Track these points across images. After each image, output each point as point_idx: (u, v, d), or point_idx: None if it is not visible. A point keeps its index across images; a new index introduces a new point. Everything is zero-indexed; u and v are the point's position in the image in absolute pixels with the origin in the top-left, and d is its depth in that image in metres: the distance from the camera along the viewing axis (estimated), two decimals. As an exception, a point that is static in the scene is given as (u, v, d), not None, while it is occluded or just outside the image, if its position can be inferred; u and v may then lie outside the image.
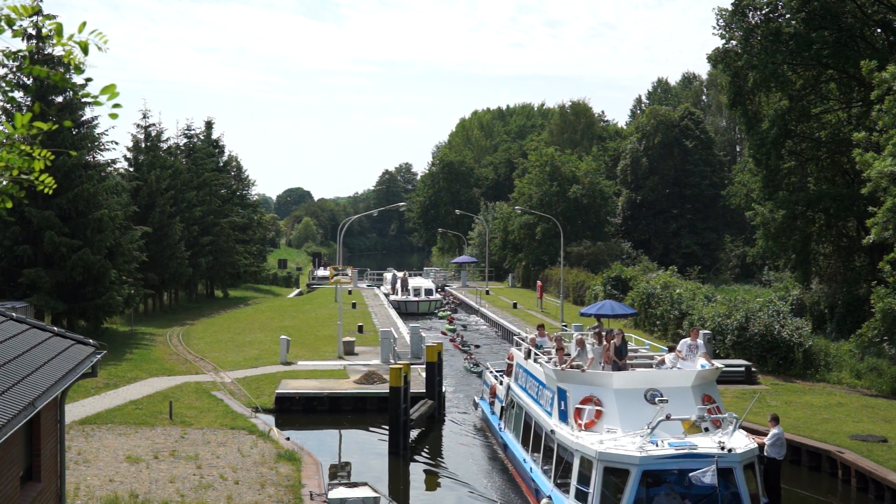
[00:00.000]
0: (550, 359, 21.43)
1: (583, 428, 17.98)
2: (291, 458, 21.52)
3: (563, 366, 20.04)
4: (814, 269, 44.04)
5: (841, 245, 43.48)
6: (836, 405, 27.57)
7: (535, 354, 22.29)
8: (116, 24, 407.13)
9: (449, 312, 61.32)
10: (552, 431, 19.05)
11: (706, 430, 17.44)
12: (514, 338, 25.80)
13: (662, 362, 20.51)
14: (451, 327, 52.78)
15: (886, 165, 27.80)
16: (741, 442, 16.98)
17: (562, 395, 18.97)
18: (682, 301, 41.73)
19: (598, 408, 18.17)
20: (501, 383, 26.12)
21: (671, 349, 20.85)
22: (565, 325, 40.70)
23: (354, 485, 20.42)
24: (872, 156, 29.14)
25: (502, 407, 25.32)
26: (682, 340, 20.75)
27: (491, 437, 26.54)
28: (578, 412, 18.32)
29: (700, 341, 20.52)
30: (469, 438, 27.10)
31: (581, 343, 20.93)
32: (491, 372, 28.88)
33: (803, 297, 43.54)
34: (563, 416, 18.77)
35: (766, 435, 19.74)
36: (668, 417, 16.76)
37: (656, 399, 17.58)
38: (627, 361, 20.70)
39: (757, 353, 34.24)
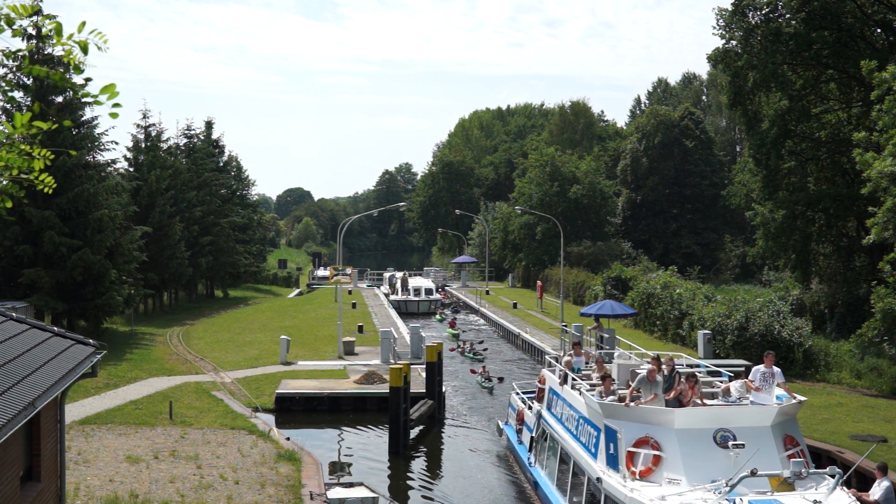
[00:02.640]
0: (593, 386, 18.48)
1: (637, 477, 15.01)
2: (291, 458, 21.52)
3: (625, 401, 16.38)
4: (814, 269, 44.04)
5: (841, 245, 43.48)
6: (836, 405, 27.56)
7: (574, 380, 19.16)
8: (115, 24, 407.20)
9: (447, 316, 60.71)
10: (598, 480, 15.86)
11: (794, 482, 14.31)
12: (547, 358, 22.70)
13: (727, 391, 17.26)
14: (454, 332, 50.90)
15: (886, 165, 27.79)
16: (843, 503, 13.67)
17: (610, 434, 15.84)
18: (682, 301, 41.73)
19: (656, 452, 15.09)
20: (531, 409, 23.03)
21: (737, 375, 17.79)
22: (565, 325, 40.67)
23: (351, 485, 20.45)
24: (872, 156, 29.13)
25: (532, 437, 22.12)
26: (755, 368, 16.97)
27: (518, 469, 23.31)
28: (631, 457, 15.27)
29: (777, 369, 16.75)
30: (492, 468, 24.05)
31: (653, 375, 16.68)
32: (517, 394, 25.57)
33: (803, 297, 43.53)
34: (613, 462, 15.67)
35: (869, 490, 16.21)
36: (753, 473, 13.50)
37: (729, 442, 14.71)
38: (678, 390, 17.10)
39: (757, 354, 34.14)
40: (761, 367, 16.73)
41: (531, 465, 21.56)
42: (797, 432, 15.97)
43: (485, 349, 43.60)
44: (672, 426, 15.22)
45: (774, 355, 17.04)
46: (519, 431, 23.95)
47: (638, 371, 18.73)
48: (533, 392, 24.54)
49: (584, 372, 20.69)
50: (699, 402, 16.42)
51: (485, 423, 29.01)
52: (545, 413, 21.04)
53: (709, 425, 15.24)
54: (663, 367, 17.08)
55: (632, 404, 16.05)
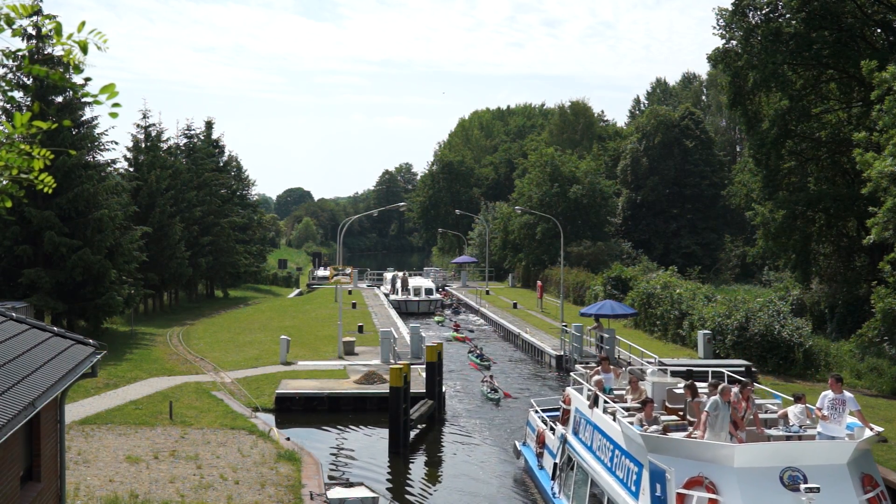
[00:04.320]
0: (628, 409, 16.42)
1: None
2: (291, 458, 21.52)
3: (696, 430, 14.23)
4: (814, 269, 44.07)
5: (841, 245, 43.50)
6: (837, 405, 27.55)
7: (606, 402, 16.91)
8: (113, 24, 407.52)
9: (447, 316, 60.53)
10: None
11: None
12: (572, 376, 20.23)
13: (784, 417, 15.38)
14: (459, 335, 49.33)
15: (886, 165, 27.79)
16: None
17: (657, 473, 13.69)
18: (682, 301, 41.73)
19: (712, 495, 12.90)
20: (553, 430, 20.70)
21: (797, 399, 15.59)
22: (565, 325, 40.67)
23: (351, 485, 20.45)
24: (872, 156, 29.14)
25: (556, 464, 19.78)
26: (823, 394, 14.84)
27: (540, 499, 20.86)
28: (682, 500, 13.10)
29: (849, 394, 14.68)
30: (510, 494, 21.79)
31: (727, 394, 14.26)
32: (536, 412, 23.06)
33: (803, 297, 43.54)
34: None
35: None
36: None
37: (800, 485, 12.65)
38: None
39: (757, 353, 34.26)
40: (829, 394, 14.61)
41: (555, 495, 19.28)
42: (874, 470, 13.73)
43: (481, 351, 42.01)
44: (731, 464, 12.94)
45: (841, 378, 14.98)
46: (539, 455, 21.57)
47: (677, 390, 16.92)
48: (554, 409, 22.55)
49: (615, 391, 18.54)
50: (753, 420, 14.34)
51: (492, 438, 26.98)
52: (571, 438, 18.66)
53: (774, 463, 13.01)
54: (736, 394, 14.97)
55: (679, 435, 14.12)
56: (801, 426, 14.80)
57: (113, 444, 22.49)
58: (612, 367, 20.06)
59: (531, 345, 43.68)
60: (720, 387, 14.36)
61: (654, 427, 14.93)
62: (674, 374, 19.57)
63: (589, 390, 17.96)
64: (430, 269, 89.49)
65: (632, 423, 14.98)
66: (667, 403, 16.83)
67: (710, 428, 13.97)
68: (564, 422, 19.57)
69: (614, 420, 15.85)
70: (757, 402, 16.23)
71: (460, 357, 41.98)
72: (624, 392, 18.18)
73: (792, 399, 15.88)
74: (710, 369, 20.39)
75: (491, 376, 34.47)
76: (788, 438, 14.58)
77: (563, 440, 19.19)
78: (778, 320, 34.54)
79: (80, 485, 18.85)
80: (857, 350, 33.25)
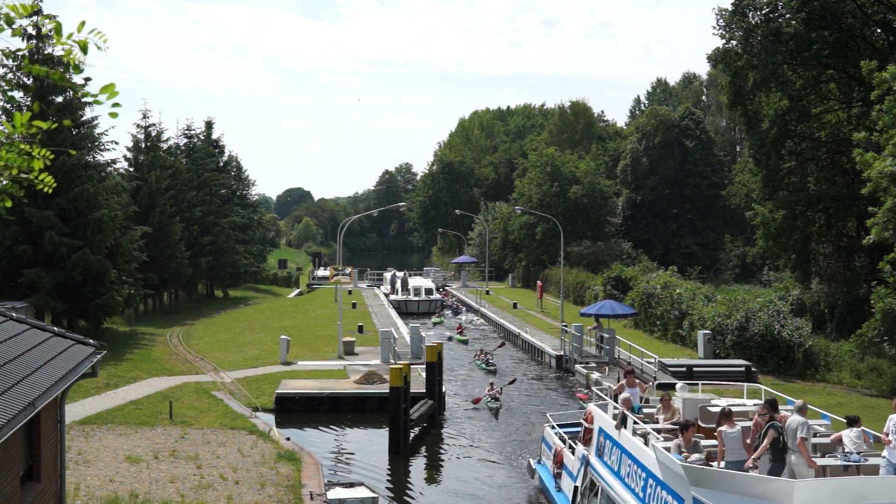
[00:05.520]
0: (663, 433, 14.80)
1: None
2: (291, 458, 21.52)
3: (750, 461, 12.84)
4: (814, 269, 44.08)
5: (841, 245, 43.51)
6: (837, 405, 27.56)
7: (636, 422, 15.25)
8: (112, 23, 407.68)
9: (446, 316, 60.35)
10: None
11: None
12: (594, 390, 19.04)
13: (839, 441, 13.83)
14: (463, 338, 48.03)
15: (886, 165, 27.81)
16: None
17: None
18: (682, 301, 41.73)
19: None
20: (572, 450, 18.83)
21: (852, 422, 13.85)
22: (565, 325, 40.66)
23: (351, 485, 20.45)
24: (872, 156, 29.15)
25: (576, 488, 18.02)
26: (890, 416, 13.36)
27: None
28: None
29: None
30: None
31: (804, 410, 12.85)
32: (553, 429, 21.09)
33: (803, 297, 43.55)
34: None
35: None
36: None
37: None
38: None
39: (757, 353, 34.26)
40: (894, 416, 13.18)
41: None
42: None
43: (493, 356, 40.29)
44: (790, 501, 11.28)
45: None
46: (557, 476, 19.67)
47: (711, 408, 15.48)
48: (571, 425, 21.20)
49: (644, 410, 16.94)
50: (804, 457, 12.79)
51: (497, 449, 25.53)
52: (595, 461, 16.89)
53: (839, 501, 11.25)
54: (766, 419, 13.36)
55: (718, 465, 12.53)
56: (859, 453, 13.06)
57: (113, 444, 22.49)
58: (637, 381, 18.34)
59: (531, 345, 43.69)
60: (798, 404, 13.10)
61: (696, 456, 13.13)
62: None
63: (615, 408, 16.24)
64: (430, 269, 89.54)
65: (668, 450, 13.29)
66: (700, 423, 15.22)
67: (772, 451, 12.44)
68: (586, 442, 17.75)
69: (647, 444, 14.20)
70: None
71: (459, 358, 41.94)
72: (654, 411, 16.71)
73: (845, 422, 14.12)
74: (743, 389, 19.00)
75: (492, 384, 32.78)
76: (846, 469, 13.01)
77: (586, 462, 17.41)
78: (778, 320, 34.55)
79: (80, 485, 18.85)
80: (856, 350, 33.25)
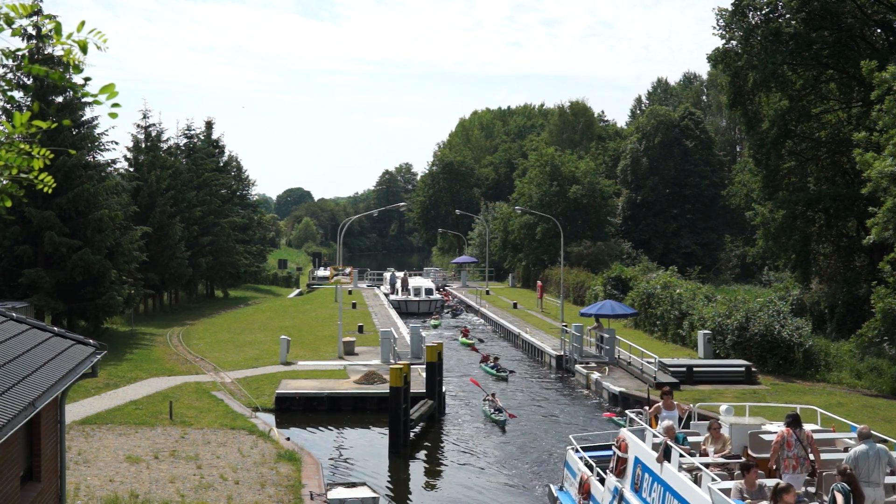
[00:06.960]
0: (714, 468, 13.12)
1: None
2: (291, 458, 21.52)
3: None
4: (814, 269, 44.08)
5: (841, 245, 43.50)
6: (836, 405, 27.55)
7: (682, 455, 13.23)
8: (112, 23, 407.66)
9: (445, 317, 60.28)
10: None
11: None
12: (628, 414, 16.82)
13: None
14: (468, 341, 46.27)
15: (886, 165, 27.81)
16: None
17: None
18: (682, 301, 41.73)
19: None
20: (601, 480, 16.67)
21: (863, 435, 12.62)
22: (565, 325, 40.65)
23: (353, 485, 20.44)
24: (872, 156, 29.16)
25: None
26: None
27: None
28: None
29: None
30: None
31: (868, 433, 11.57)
32: (577, 452, 18.62)
33: (803, 297, 43.54)
34: None
35: None
36: None
37: None
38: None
39: (757, 353, 34.25)
40: None
41: None
42: None
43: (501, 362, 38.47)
44: None
45: None
46: None
47: (764, 435, 13.71)
48: (597, 448, 19.28)
49: (690, 439, 15.03)
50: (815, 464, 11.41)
51: (504, 468, 23.64)
52: (631, 496, 14.95)
53: None
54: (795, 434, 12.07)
55: None
56: None
57: (113, 444, 22.49)
58: (676, 402, 16.30)
59: (531, 345, 43.68)
60: (862, 430, 11.68)
61: (764, 503, 11.36)
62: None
63: (654, 436, 14.36)
64: (430, 269, 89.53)
65: (728, 492, 11.48)
66: (750, 451, 13.76)
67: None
68: (619, 472, 15.69)
69: (697, 483, 12.36)
70: (825, 436, 13.50)
71: (461, 361, 41.89)
72: (701, 440, 14.89)
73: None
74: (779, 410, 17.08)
75: (493, 394, 30.51)
76: None
77: (619, 496, 15.42)
78: (778, 320, 34.53)
79: (81, 485, 18.85)
80: (856, 350, 33.25)
